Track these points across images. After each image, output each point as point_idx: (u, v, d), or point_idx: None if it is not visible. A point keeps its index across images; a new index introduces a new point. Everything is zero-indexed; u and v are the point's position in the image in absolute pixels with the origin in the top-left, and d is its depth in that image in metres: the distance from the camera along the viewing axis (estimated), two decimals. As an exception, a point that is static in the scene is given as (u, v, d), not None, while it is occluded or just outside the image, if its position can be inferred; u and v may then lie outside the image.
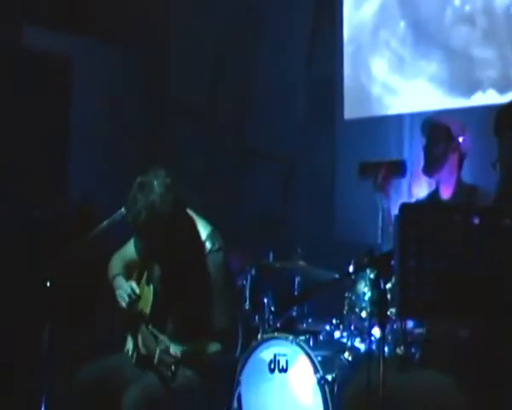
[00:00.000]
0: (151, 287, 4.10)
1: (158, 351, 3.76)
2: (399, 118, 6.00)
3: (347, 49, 6.36)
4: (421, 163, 4.49)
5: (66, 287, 4.21)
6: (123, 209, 4.06)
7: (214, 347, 3.96)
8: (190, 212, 4.10)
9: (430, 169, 4.39)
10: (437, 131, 4.38)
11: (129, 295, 4.00)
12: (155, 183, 3.88)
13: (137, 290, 4.01)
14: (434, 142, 4.37)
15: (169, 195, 3.88)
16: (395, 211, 3.98)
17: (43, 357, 3.91)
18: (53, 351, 3.94)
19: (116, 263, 4.29)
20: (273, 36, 6.73)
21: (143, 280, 4.20)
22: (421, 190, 5.01)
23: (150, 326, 3.90)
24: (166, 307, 4.03)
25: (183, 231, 4.00)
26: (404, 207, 3.05)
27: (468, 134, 4.38)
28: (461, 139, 4.33)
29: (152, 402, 3.79)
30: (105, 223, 4.12)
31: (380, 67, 6.21)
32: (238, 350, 4.04)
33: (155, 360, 3.76)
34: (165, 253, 4.01)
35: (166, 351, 3.75)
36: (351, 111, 6.37)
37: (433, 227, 3.01)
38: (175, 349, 3.74)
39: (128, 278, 4.17)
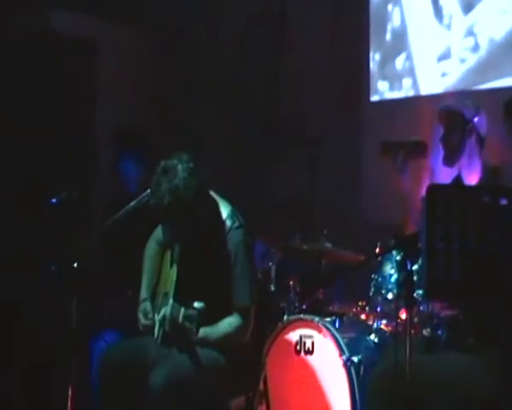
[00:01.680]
0: (174, 267, 4.12)
1: (182, 310, 3.81)
2: (427, 99, 5.95)
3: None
4: (442, 154, 4.43)
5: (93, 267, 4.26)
6: (149, 190, 4.08)
7: (235, 322, 3.98)
8: (212, 193, 4.10)
9: (450, 159, 4.33)
10: (451, 119, 4.31)
11: (144, 326, 4.10)
12: (179, 167, 3.90)
13: (152, 317, 4.08)
14: (450, 131, 4.31)
15: (192, 180, 3.89)
16: (414, 191, 3.97)
17: (71, 336, 3.94)
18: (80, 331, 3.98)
19: (150, 247, 4.35)
20: (298, 16, 6.69)
21: (168, 261, 4.22)
22: (444, 176, 4.96)
23: (173, 302, 3.91)
24: (189, 287, 4.05)
25: (205, 214, 4.01)
26: (432, 188, 3.03)
27: (483, 113, 4.32)
28: (476, 119, 4.27)
29: (179, 382, 3.81)
30: (132, 204, 4.15)
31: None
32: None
33: (180, 319, 3.79)
34: (187, 235, 4.02)
35: (190, 307, 3.79)
36: (377, 93, 6.34)
37: (460, 208, 2.98)
38: (198, 304, 3.78)
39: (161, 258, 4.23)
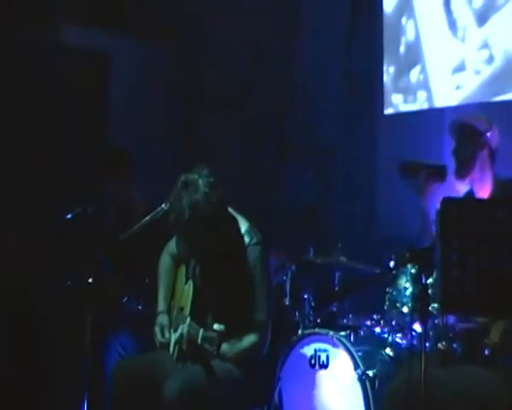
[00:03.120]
0: (190, 283, 4.15)
1: (201, 331, 3.82)
2: (440, 111, 5.97)
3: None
4: (453, 167, 4.44)
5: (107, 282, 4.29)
6: (163, 205, 4.11)
7: (252, 338, 3.99)
8: (230, 209, 4.13)
9: (461, 172, 4.33)
10: (463, 132, 4.32)
11: (161, 343, 4.12)
12: (200, 182, 3.91)
13: (169, 337, 4.11)
14: (462, 144, 4.31)
15: (213, 195, 3.91)
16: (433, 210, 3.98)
17: (85, 349, 3.97)
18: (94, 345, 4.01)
19: (164, 261, 4.38)
20: (312, 26, 6.71)
21: (183, 276, 4.25)
22: (459, 188, 4.97)
23: (190, 321, 3.93)
24: (206, 303, 4.08)
25: (225, 230, 4.03)
26: (446, 202, 3.05)
27: (495, 127, 4.33)
28: (488, 134, 4.28)
29: (194, 392, 3.82)
30: (147, 219, 4.18)
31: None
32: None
33: (199, 340, 3.80)
34: (206, 251, 4.04)
35: (209, 328, 3.81)
36: (391, 105, 6.36)
37: (475, 222, 3.00)
38: (218, 326, 3.80)
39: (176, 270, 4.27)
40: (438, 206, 3.10)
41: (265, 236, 4.16)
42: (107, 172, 5.32)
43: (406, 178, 4.53)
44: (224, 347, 3.93)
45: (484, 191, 4.21)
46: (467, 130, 4.28)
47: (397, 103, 6.34)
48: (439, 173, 4.45)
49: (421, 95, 6.19)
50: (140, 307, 4.89)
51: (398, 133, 6.20)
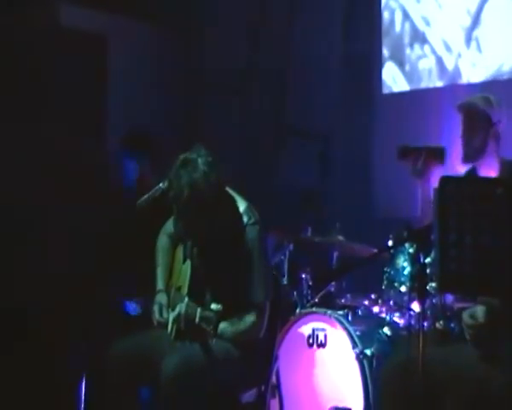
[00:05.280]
0: (188, 263, 4.11)
1: (199, 310, 3.80)
2: (438, 91, 5.92)
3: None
4: (461, 152, 4.36)
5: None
6: (161, 185, 4.06)
7: (250, 318, 3.97)
8: (228, 189, 4.09)
9: (470, 157, 4.26)
10: (475, 118, 4.20)
11: (158, 322, 4.07)
12: (199, 161, 3.87)
13: (167, 316, 4.05)
14: (473, 132, 4.19)
15: (212, 174, 3.87)
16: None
17: (83, 331, 3.95)
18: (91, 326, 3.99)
19: (162, 241, 4.34)
20: (310, 10, 6.66)
21: (181, 256, 4.22)
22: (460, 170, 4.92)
23: (188, 300, 3.90)
24: (204, 282, 4.05)
25: (224, 210, 3.99)
26: (445, 180, 3.01)
27: (503, 111, 4.26)
28: (500, 124, 4.21)
29: (191, 370, 3.80)
30: (145, 198, 4.14)
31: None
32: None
33: (197, 319, 3.78)
34: (204, 230, 4.00)
35: (207, 308, 3.79)
36: (388, 84, 6.31)
37: (474, 200, 2.96)
38: (215, 306, 3.77)
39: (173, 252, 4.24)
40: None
41: (264, 216, 4.12)
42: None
43: (405, 161, 4.49)
44: (222, 326, 3.91)
45: (490, 174, 4.15)
46: (479, 116, 4.17)
47: (395, 85, 6.29)
48: (438, 155, 4.41)
49: (421, 75, 6.14)
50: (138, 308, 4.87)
51: (396, 116, 6.17)
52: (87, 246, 4.67)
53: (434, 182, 4.15)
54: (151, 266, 4.30)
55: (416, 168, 4.39)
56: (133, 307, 4.88)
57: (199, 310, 3.81)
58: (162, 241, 4.35)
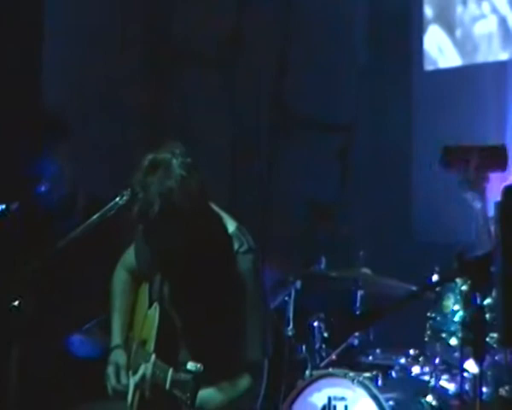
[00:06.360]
0: (156, 307, 4.12)
1: (171, 372, 3.80)
2: (501, 66, 5.98)
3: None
4: None
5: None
6: (118, 199, 4.07)
7: (243, 383, 3.98)
8: (212, 205, 4.11)
9: None
10: None
11: (114, 390, 4.10)
12: (174, 162, 3.88)
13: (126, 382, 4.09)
14: None
15: (191, 180, 3.87)
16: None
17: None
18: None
19: (120, 279, 4.37)
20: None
21: (145, 298, 4.24)
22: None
23: (156, 359, 3.92)
24: (178, 334, 4.07)
25: (207, 230, 4.01)
26: (509, 191, 3.04)
27: None
28: None
29: None
30: (94, 217, 4.13)
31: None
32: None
33: (167, 384, 3.79)
34: (179, 259, 4.02)
35: (182, 369, 3.78)
36: (432, 58, 6.37)
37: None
38: (193, 366, 3.76)
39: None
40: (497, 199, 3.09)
41: (259, 241, 4.15)
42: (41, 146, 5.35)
43: (451, 168, 4.53)
44: (205, 394, 3.91)
45: None
46: None
47: (442, 58, 6.35)
48: (497, 158, 4.45)
49: (477, 43, 6.19)
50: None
51: (442, 102, 6.21)
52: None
53: (494, 194, 4.20)
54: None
55: (467, 176, 4.43)
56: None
57: (170, 372, 3.82)
58: (120, 278, 4.37)
